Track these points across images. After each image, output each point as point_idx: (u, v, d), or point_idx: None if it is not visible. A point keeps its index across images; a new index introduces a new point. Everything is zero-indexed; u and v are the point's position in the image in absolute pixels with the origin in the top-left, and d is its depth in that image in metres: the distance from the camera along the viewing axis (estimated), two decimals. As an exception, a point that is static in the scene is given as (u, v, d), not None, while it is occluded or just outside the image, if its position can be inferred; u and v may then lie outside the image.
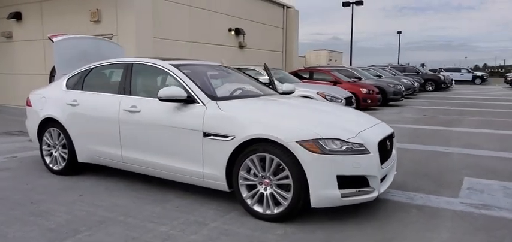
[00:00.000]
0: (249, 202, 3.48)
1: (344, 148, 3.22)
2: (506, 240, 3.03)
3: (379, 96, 13.57)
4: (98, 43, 5.97)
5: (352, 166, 3.21)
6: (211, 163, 3.65)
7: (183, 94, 3.79)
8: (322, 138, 3.20)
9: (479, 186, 4.42)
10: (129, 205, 3.83)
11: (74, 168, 4.86)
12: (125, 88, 4.38)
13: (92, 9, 10.15)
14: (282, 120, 3.47)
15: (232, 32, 13.91)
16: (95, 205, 3.83)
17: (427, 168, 5.24)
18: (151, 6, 10.11)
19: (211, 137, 3.61)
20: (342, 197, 3.20)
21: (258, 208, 3.44)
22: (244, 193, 3.50)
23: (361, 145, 3.28)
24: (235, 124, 3.49)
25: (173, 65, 4.26)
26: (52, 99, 4.98)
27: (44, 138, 5.03)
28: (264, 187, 3.42)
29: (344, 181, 3.22)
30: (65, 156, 4.84)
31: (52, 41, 5.43)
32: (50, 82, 5.75)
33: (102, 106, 4.44)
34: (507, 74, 35.37)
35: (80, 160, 4.76)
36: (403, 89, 15.89)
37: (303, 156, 3.16)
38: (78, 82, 4.88)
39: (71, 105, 4.72)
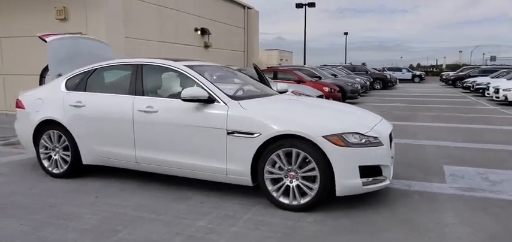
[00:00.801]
0: (274, 194, 3.73)
1: (363, 141, 3.58)
2: (502, 216, 3.56)
3: (340, 94, 14.33)
4: (88, 43, 5.87)
5: (370, 157, 3.59)
6: (235, 159, 3.84)
7: (204, 94, 3.95)
8: (345, 132, 3.55)
9: (459, 173, 5.03)
10: (153, 204, 3.91)
11: (76, 170, 4.79)
12: (137, 89, 4.42)
13: (58, 6, 9.74)
14: (306, 117, 3.76)
15: (198, 32, 13.96)
16: (119, 206, 3.86)
17: (408, 159, 5.80)
18: (122, 6, 9.93)
19: (236, 135, 3.81)
20: (363, 185, 3.57)
21: (284, 200, 3.71)
22: (270, 186, 3.75)
23: (375, 138, 3.66)
24: (260, 122, 3.72)
25: (187, 66, 4.39)
26: (51, 101, 4.85)
27: (42, 141, 4.89)
28: (289, 179, 3.69)
29: (363, 171, 3.58)
30: (68, 159, 4.75)
31: (45, 40, 5.26)
32: (41, 83, 5.56)
33: (113, 107, 4.44)
34: (442, 73, 38.53)
35: (84, 162, 4.71)
36: (360, 88, 16.87)
37: (329, 149, 3.48)
38: (81, 83, 4.81)
39: (74, 106, 4.65)
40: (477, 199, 4.03)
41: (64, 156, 4.79)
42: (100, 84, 4.78)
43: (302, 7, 27.35)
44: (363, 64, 37.56)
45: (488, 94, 17.70)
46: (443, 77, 35.20)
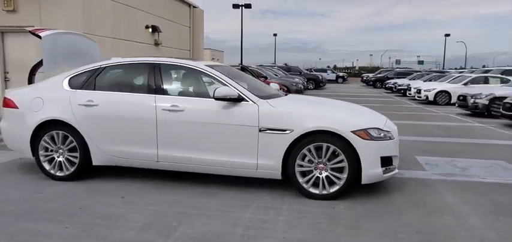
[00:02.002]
0: (305, 185, 4.09)
1: (382, 135, 4.10)
2: (487, 194, 4.34)
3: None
4: (79, 39, 5.62)
5: (387, 148, 4.13)
6: (267, 155, 4.11)
7: (235, 93, 4.16)
8: (369, 128, 4.04)
9: (432, 162, 5.85)
10: (185, 200, 4.01)
11: (84, 172, 4.64)
12: (157, 88, 4.44)
13: (6, -4, 8.92)
14: (333, 114, 4.18)
15: (149, 30, 13.64)
16: (153, 204, 3.90)
17: (384, 151, 6.53)
18: (81, 0, 9.41)
19: (268, 132, 4.08)
20: (383, 173, 4.10)
21: (314, 190, 4.08)
22: (300, 179, 4.09)
23: (389, 132, 4.21)
24: (292, 119, 4.05)
25: (209, 66, 4.54)
26: (54, 100, 4.62)
27: (42, 142, 4.63)
28: (319, 171, 4.07)
29: (382, 161, 4.10)
30: (75, 160, 4.58)
31: (39, 36, 4.94)
32: (31, 81, 5.19)
33: (132, 106, 4.40)
34: (363, 74, 41.90)
35: (95, 163, 4.58)
36: (302, 87, 17.85)
37: (357, 142, 3.94)
38: (89, 82, 4.65)
39: (85, 105, 4.50)
40: (459, 182, 4.81)
41: (70, 158, 4.60)
42: (112, 82, 4.68)
43: (239, 8, 27.83)
44: (285, 64, 39.22)
45: (409, 94, 19.90)
46: (364, 78, 38.37)
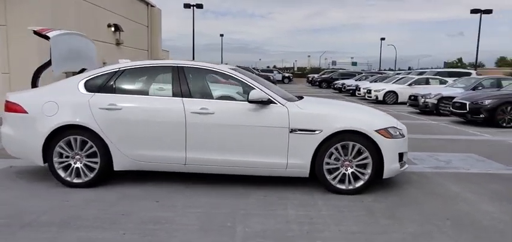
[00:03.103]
0: (332, 182, 4.38)
1: (397, 133, 4.52)
2: (480, 182, 4.94)
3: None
4: (82, 40, 5.38)
5: (402, 145, 4.56)
6: (297, 154, 4.34)
7: (266, 96, 4.33)
8: (388, 127, 4.43)
9: (417, 157, 6.45)
10: (226, 201, 4.10)
11: (103, 178, 4.52)
12: (183, 91, 4.45)
13: (-37, -10, 8.14)
14: (357, 115, 4.51)
15: (112, 28, 13.12)
16: (192, 207, 3.94)
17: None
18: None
19: (298, 132, 4.31)
20: (400, 168, 4.52)
21: (340, 186, 4.39)
22: (328, 176, 4.38)
23: (402, 130, 4.65)
24: (321, 120, 4.32)
25: (232, 69, 4.65)
26: (71, 104, 4.42)
27: (57, 148, 4.42)
28: (345, 168, 4.39)
29: (398, 157, 4.52)
30: (94, 166, 4.44)
31: (47, 36, 4.68)
32: (35, 83, 4.88)
33: (159, 110, 4.37)
34: (309, 75, 43.49)
35: (116, 168, 4.48)
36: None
37: (380, 140, 4.31)
38: (108, 85, 4.52)
39: (107, 109, 4.38)
40: (451, 174, 5.41)
41: (89, 164, 4.44)
42: (134, 86, 4.60)
43: (190, 7, 27.52)
44: (237, 66, 39.59)
45: (358, 94, 21.19)
46: (310, 79, 39.89)
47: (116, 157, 4.43)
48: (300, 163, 4.36)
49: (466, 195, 4.46)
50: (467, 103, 10.89)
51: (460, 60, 68.27)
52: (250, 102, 4.28)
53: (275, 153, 4.35)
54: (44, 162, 4.49)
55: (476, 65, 29.51)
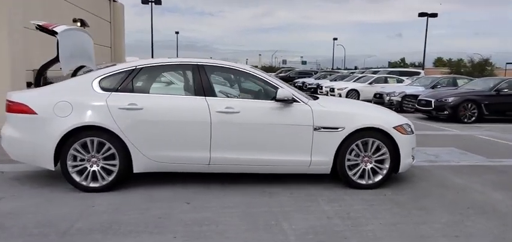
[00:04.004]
0: (353, 177, 4.54)
1: (409, 129, 4.78)
2: (476, 172, 5.37)
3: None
4: (83, 35, 5.08)
5: (413, 141, 4.82)
6: (320, 151, 4.44)
7: (291, 95, 4.39)
8: (404, 124, 4.67)
9: (408, 151, 6.82)
10: (259, 201, 4.11)
11: (120, 181, 4.33)
12: (206, 89, 4.38)
13: None
14: (375, 113, 4.70)
15: (78, 23, 12.39)
16: (227, 207, 3.90)
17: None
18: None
19: (322, 130, 4.41)
20: (412, 162, 4.79)
21: (360, 181, 4.56)
22: (349, 172, 4.53)
23: (411, 126, 4.92)
24: (344, 118, 4.45)
25: (253, 68, 4.65)
26: (86, 104, 4.18)
27: (72, 151, 4.16)
28: (364, 164, 4.56)
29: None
30: (111, 169, 4.24)
31: (54, 32, 4.36)
32: (39, 82, 4.53)
33: (183, 109, 4.26)
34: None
35: (136, 170, 4.31)
36: (229, 87, 18.17)
37: (398, 137, 4.54)
38: (125, 84, 4.33)
39: (127, 109, 4.20)
40: (445, 167, 5.81)
41: (107, 166, 4.23)
42: (153, 84, 4.44)
43: (148, 3, 26.71)
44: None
45: (321, 92, 21.83)
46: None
47: (136, 159, 4.26)
48: (323, 160, 4.46)
49: (472, 186, 4.82)
50: (433, 100, 11.66)
51: (402, 60, 72.58)
52: (278, 100, 4.31)
53: (299, 150, 4.42)
54: (55, 166, 4.21)
55: (423, 65, 31.59)
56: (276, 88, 4.44)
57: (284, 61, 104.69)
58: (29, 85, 8.95)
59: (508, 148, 7.51)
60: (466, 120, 11.22)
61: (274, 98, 4.36)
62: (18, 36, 8.21)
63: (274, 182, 4.67)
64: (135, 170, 4.30)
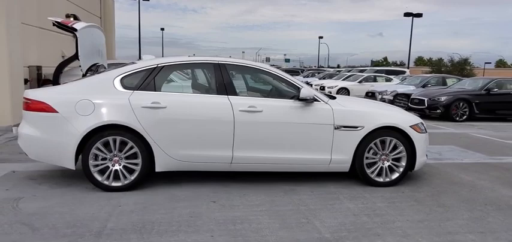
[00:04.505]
0: (371, 175, 4.63)
1: (423, 128, 4.91)
2: (479, 170, 5.54)
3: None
4: (98, 32, 5.01)
5: (427, 139, 4.95)
6: (340, 150, 4.52)
7: (313, 95, 4.45)
8: (419, 123, 4.79)
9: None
10: (282, 199, 4.15)
11: (143, 180, 4.30)
12: (228, 88, 4.39)
13: None
14: (392, 112, 4.79)
15: (71, 18, 12.12)
16: (260, 206, 3.94)
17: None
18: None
19: (342, 129, 4.49)
20: (426, 160, 4.92)
21: (378, 179, 4.66)
22: (367, 170, 4.62)
23: (424, 125, 5.06)
24: (363, 117, 4.54)
25: (274, 67, 4.68)
26: (108, 102, 4.13)
27: (94, 150, 4.11)
28: (382, 162, 4.67)
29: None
30: (133, 168, 4.21)
31: (73, 29, 4.29)
32: (57, 80, 4.45)
33: (207, 108, 4.26)
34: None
35: (158, 169, 4.29)
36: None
37: (414, 135, 4.65)
38: (147, 82, 4.30)
39: (150, 108, 4.17)
40: (451, 164, 5.98)
41: (129, 165, 4.20)
42: (174, 83, 4.41)
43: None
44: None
45: (310, 90, 21.99)
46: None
47: (159, 158, 4.24)
48: (342, 158, 4.54)
49: (480, 183, 4.98)
50: (426, 99, 11.94)
51: (385, 59, 73.80)
52: (301, 99, 4.37)
53: (320, 149, 4.49)
54: (75, 165, 4.15)
55: (408, 64, 32.21)
56: (298, 87, 4.50)
57: (267, 59, 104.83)
58: (26, 82, 8.76)
59: (505, 146, 7.78)
60: (457, 118, 11.53)
61: (297, 97, 4.41)
62: (15, 32, 8.00)
63: (291, 180, 4.72)
64: (158, 169, 4.28)
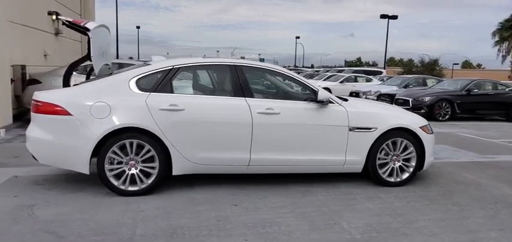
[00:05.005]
0: (383, 176, 4.73)
1: (431, 130, 5.06)
2: (477, 168, 5.76)
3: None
4: (106, 31, 4.86)
5: (434, 140, 5.10)
6: (354, 151, 4.58)
7: (329, 97, 4.50)
8: (427, 124, 4.94)
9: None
10: (302, 201, 4.17)
11: (159, 184, 4.22)
12: (245, 90, 4.36)
13: None
14: (402, 114, 4.91)
15: (53, 16, 11.73)
16: (282, 208, 3.94)
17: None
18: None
19: (357, 130, 4.56)
20: (433, 160, 5.07)
21: (389, 179, 4.76)
22: (379, 170, 4.71)
23: (431, 127, 5.21)
24: (376, 119, 4.63)
25: (290, 69, 4.70)
26: (125, 105, 4.02)
27: (110, 154, 3.99)
28: (393, 162, 4.77)
29: (430, 151, 5.07)
30: (150, 172, 4.12)
31: (86, 28, 4.14)
32: (68, 82, 4.28)
33: (225, 110, 4.22)
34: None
35: (175, 173, 4.21)
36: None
37: (423, 136, 4.78)
38: (163, 84, 4.21)
39: (168, 110, 4.09)
40: (451, 163, 6.18)
41: (146, 169, 4.11)
42: (190, 85, 4.35)
43: (112, -4, 25.63)
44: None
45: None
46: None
47: (176, 161, 4.16)
48: (356, 159, 4.61)
49: (482, 181, 5.18)
50: (410, 100, 12.29)
51: (359, 59, 75.36)
52: (318, 102, 4.40)
53: (335, 150, 4.54)
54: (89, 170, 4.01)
55: (384, 65, 33.03)
56: (314, 89, 4.53)
57: (242, 57, 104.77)
58: (11, 81, 8.38)
59: (491, 144, 8.12)
60: (440, 118, 11.93)
61: (313, 100, 4.44)
62: (3, 29, 7.63)
63: (304, 181, 4.75)
64: (175, 172, 4.20)
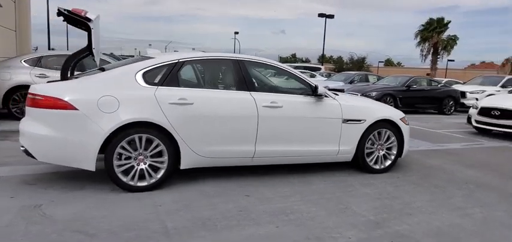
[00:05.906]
0: (370, 163, 5.16)
1: (407, 121, 5.60)
2: (458, 154, 6.49)
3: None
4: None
5: (409, 130, 5.66)
6: (346, 142, 4.94)
7: (325, 91, 4.79)
8: (404, 117, 5.46)
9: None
10: (306, 190, 4.41)
11: (166, 179, 4.20)
12: (249, 84, 4.49)
13: None
14: (384, 107, 5.36)
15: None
16: (290, 197, 4.14)
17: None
18: None
19: (349, 122, 4.92)
20: (408, 148, 5.63)
21: (375, 166, 5.20)
22: (367, 158, 5.13)
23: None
24: (365, 112, 5.03)
25: (289, 65, 4.90)
26: (134, 99, 3.93)
27: (119, 149, 3.89)
28: (378, 151, 5.22)
29: (405, 140, 5.61)
30: (158, 166, 4.09)
31: (87, 19, 3.93)
32: (66, 74, 4.03)
33: (232, 104, 4.30)
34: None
35: (183, 167, 4.22)
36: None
37: (403, 127, 5.30)
38: (170, 78, 4.17)
39: (177, 104, 4.08)
40: (414, 152, 6.84)
41: (155, 164, 4.06)
42: (197, 79, 4.35)
43: (43, -17, 23.68)
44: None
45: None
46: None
47: (185, 154, 4.16)
48: (348, 149, 4.97)
49: (446, 166, 5.85)
50: (359, 95, 13.15)
51: (294, 55, 77.79)
52: (318, 95, 4.67)
53: (330, 141, 4.85)
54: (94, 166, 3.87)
55: (322, 61, 34.64)
56: (312, 85, 4.78)
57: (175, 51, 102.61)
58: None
59: (438, 134, 9.09)
60: (385, 111, 12.94)
61: (313, 94, 4.70)
62: None
63: (299, 171, 5.01)
64: (183, 166, 4.20)
